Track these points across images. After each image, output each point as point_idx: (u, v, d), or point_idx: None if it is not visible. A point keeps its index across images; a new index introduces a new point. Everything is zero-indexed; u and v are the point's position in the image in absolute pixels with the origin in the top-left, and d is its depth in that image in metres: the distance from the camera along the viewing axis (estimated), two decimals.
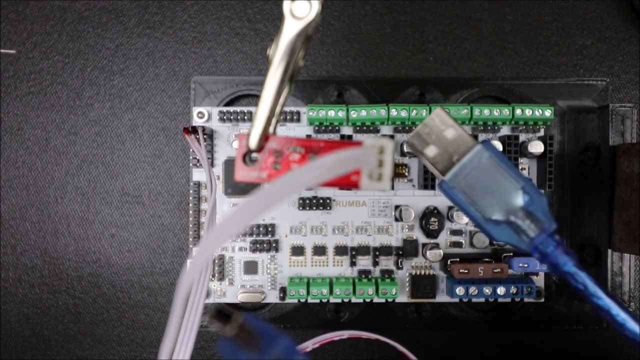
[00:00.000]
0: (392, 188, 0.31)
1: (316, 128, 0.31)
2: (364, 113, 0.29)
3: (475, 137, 0.31)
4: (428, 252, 0.30)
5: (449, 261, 0.30)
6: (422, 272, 0.31)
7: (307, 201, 0.31)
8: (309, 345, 0.30)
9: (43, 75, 0.32)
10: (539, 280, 0.31)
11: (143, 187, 0.32)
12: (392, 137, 0.31)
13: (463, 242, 0.31)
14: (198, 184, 0.31)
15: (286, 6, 0.18)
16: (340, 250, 0.31)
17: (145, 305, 0.32)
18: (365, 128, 0.31)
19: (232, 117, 0.31)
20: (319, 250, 0.31)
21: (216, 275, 0.30)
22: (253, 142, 0.20)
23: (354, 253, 0.31)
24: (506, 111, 0.29)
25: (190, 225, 0.31)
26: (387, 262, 0.31)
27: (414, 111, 0.29)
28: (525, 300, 0.31)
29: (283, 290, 0.31)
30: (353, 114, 0.29)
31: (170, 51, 0.32)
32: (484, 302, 0.32)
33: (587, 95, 0.31)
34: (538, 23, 0.33)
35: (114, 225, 0.32)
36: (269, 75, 0.19)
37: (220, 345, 0.16)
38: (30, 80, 0.32)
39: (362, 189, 0.19)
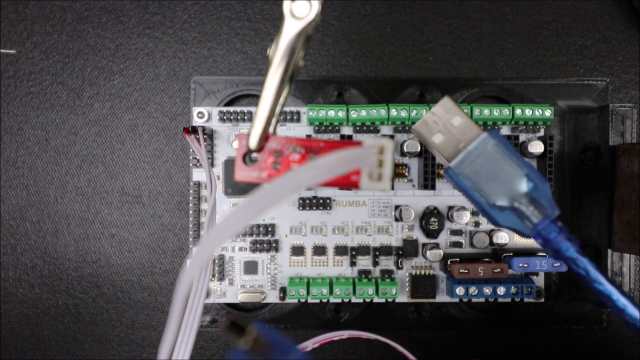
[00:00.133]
0: (392, 188, 0.31)
1: (316, 128, 0.31)
2: (364, 113, 0.29)
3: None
4: (428, 252, 0.30)
5: (449, 261, 0.30)
6: (422, 272, 0.31)
7: (307, 201, 0.31)
8: (309, 345, 0.30)
9: (43, 75, 0.32)
10: (539, 280, 0.31)
11: (143, 187, 0.32)
12: (392, 137, 0.31)
13: (463, 242, 0.31)
14: (198, 184, 0.31)
15: (286, 6, 0.18)
16: (340, 250, 0.31)
17: (145, 305, 0.32)
18: (365, 128, 0.31)
19: (232, 117, 0.31)
20: (319, 250, 0.31)
21: (216, 275, 0.30)
22: (253, 142, 0.20)
23: (354, 253, 0.31)
24: (506, 111, 0.29)
25: (190, 225, 0.31)
26: (387, 262, 0.31)
27: (414, 111, 0.29)
28: (525, 300, 0.31)
29: (283, 290, 0.31)
30: (353, 114, 0.29)
31: (170, 51, 0.32)
32: (484, 302, 0.32)
33: (587, 95, 0.31)
34: (538, 23, 0.33)
35: (114, 225, 0.32)
36: (269, 75, 0.19)
37: (231, 356, 0.16)
38: (30, 80, 0.32)
39: (362, 189, 0.19)
